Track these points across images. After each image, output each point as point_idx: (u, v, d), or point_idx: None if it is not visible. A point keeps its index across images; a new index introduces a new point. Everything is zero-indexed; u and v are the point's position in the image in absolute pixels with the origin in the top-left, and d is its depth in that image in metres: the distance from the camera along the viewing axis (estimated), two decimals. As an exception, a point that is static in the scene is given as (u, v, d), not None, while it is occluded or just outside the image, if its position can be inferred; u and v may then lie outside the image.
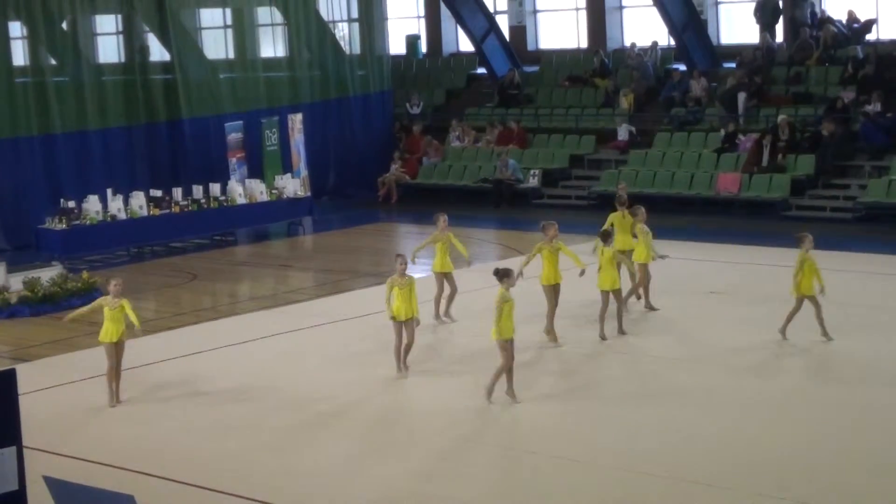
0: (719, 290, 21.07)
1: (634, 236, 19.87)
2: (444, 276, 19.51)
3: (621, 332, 18.26)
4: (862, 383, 15.70)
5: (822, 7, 33.93)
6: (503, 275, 15.14)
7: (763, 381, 16.07)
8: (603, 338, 17.99)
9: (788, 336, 17.42)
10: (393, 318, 16.47)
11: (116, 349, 15.77)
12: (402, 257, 17.00)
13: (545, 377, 16.73)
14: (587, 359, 17.57)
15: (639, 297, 19.97)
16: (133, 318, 15.94)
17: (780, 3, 33.91)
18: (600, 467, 13.16)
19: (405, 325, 16.51)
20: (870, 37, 32.80)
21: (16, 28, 31.42)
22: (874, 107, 29.37)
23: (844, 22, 33.05)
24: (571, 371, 17.08)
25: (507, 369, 15.24)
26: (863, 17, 32.92)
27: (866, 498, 12.10)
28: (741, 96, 31.63)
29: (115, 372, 15.82)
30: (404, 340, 16.61)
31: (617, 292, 18.22)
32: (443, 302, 19.63)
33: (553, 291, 18.19)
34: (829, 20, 33.09)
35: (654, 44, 35.41)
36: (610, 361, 17.44)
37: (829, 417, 14.45)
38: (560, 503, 12.40)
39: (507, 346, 15.15)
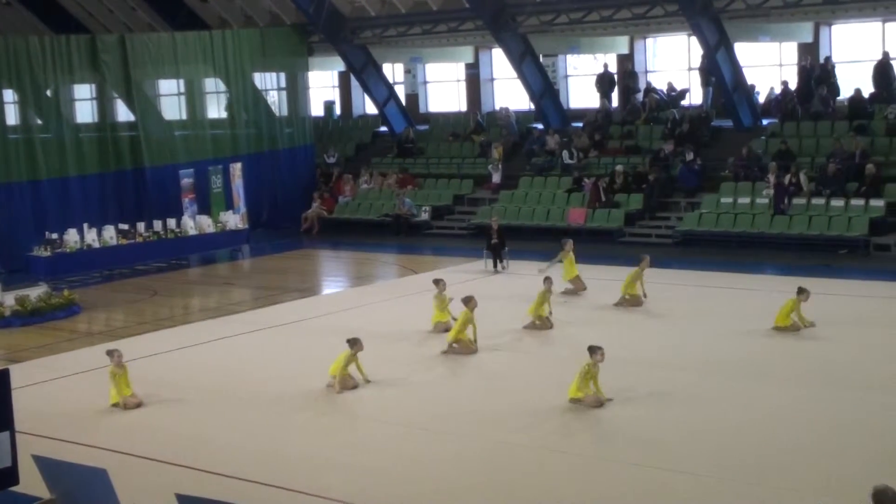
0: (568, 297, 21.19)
1: None
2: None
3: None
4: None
5: (648, 79, 34.43)
6: None
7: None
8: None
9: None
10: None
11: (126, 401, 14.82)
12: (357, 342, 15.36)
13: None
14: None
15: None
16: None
17: (616, 77, 34.44)
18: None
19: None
20: (684, 102, 33.30)
21: (9, 95, 30.79)
22: (689, 156, 29.88)
23: (665, 91, 33.57)
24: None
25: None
26: (679, 87, 33.50)
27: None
28: (565, 153, 31.94)
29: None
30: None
31: None
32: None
33: None
34: (653, 89, 33.58)
35: (507, 108, 35.71)
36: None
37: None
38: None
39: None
